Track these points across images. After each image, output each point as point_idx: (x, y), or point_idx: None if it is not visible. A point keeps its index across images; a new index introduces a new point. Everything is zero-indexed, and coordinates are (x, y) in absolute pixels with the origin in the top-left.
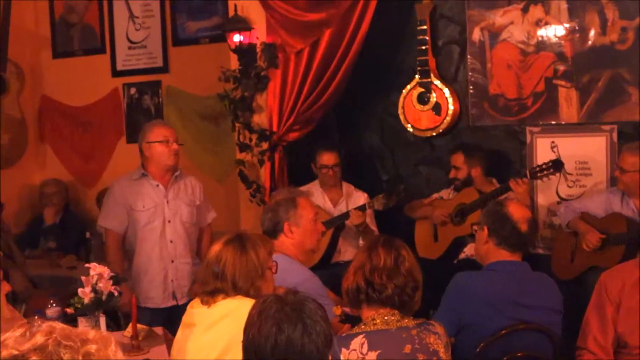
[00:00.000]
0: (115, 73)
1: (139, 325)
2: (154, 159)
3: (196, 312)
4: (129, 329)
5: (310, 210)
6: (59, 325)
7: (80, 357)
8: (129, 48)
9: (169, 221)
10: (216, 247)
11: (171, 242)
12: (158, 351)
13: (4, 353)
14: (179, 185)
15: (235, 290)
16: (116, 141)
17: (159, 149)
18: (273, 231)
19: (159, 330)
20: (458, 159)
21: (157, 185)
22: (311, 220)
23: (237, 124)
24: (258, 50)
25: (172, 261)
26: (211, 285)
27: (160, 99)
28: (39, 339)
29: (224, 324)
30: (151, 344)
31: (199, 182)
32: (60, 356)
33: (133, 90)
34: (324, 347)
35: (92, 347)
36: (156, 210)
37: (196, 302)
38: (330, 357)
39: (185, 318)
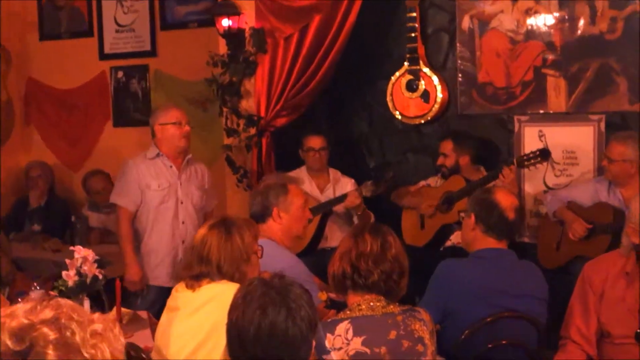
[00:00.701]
0: (103, 56)
1: (123, 309)
2: (167, 140)
3: (180, 296)
4: (113, 312)
5: (300, 198)
6: (65, 301)
7: (87, 335)
8: (117, 31)
9: (182, 202)
10: (201, 231)
11: (183, 223)
12: (142, 335)
13: (14, 323)
14: (190, 169)
15: (220, 274)
16: (103, 125)
17: (171, 130)
18: (262, 215)
19: (143, 314)
20: (447, 146)
21: (171, 167)
22: (300, 207)
23: (224, 109)
24: (247, 35)
25: (183, 242)
26: (196, 269)
27: (148, 83)
28: (48, 313)
29: (208, 308)
30: (135, 328)
31: (207, 169)
32: (72, 329)
33: (120, 74)
34: (307, 332)
35: (99, 327)
36: (170, 191)
37: (181, 285)
38: (314, 343)
39: (169, 302)
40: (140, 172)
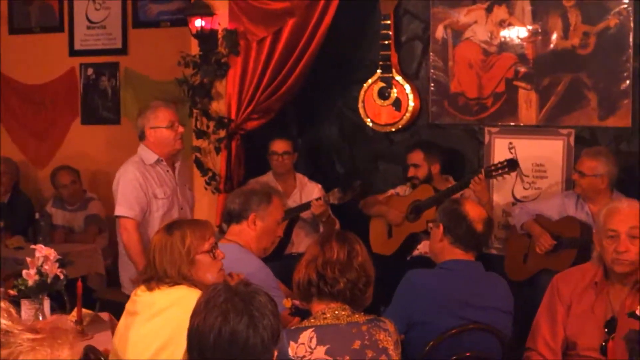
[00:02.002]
0: (73, 52)
1: (84, 310)
2: (161, 144)
3: (139, 300)
4: (74, 313)
5: (279, 213)
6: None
7: None
8: (88, 28)
9: (182, 208)
10: (154, 235)
11: None
12: (103, 337)
13: None
14: (182, 170)
15: (167, 277)
16: (71, 122)
17: (165, 133)
18: (238, 215)
19: (105, 315)
20: (417, 157)
21: (168, 171)
22: (276, 222)
23: (195, 110)
24: (219, 36)
25: None
26: (147, 272)
27: (118, 82)
28: None
29: (167, 314)
30: (96, 330)
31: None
32: None
33: (90, 71)
34: (269, 342)
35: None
36: (173, 198)
37: (140, 289)
38: (275, 353)
39: (128, 306)
40: (147, 181)
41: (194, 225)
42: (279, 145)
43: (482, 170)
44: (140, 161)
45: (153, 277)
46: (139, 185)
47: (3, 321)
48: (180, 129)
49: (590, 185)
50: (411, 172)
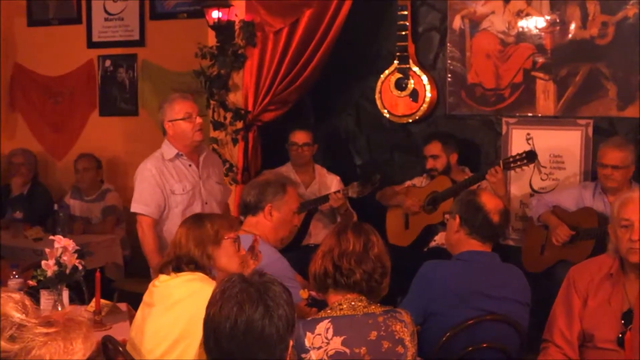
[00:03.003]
0: (91, 44)
1: (102, 301)
2: (180, 137)
3: (156, 292)
4: (93, 303)
5: (295, 202)
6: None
7: None
8: (106, 20)
9: (206, 203)
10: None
11: None
12: (121, 327)
13: None
14: (207, 163)
15: (189, 256)
16: (89, 114)
17: (183, 126)
18: (254, 207)
19: (122, 306)
20: (435, 148)
21: (190, 165)
22: (292, 211)
23: (212, 102)
24: (236, 27)
25: None
26: (170, 255)
27: (136, 73)
28: None
29: (183, 306)
30: (114, 320)
31: (218, 157)
32: None
33: (108, 63)
34: (284, 331)
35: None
36: (194, 193)
37: (158, 279)
38: (291, 342)
39: (145, 297)
40: (163, 176)
41: (223, 215)
42: (299, 136)
43: (500, 162)
44: (160, 156)
45: (175, 262)
46: (154, 182)
47: (17, 314)
48: (199, 120)
49: (624, 177)
50: (430, 163)
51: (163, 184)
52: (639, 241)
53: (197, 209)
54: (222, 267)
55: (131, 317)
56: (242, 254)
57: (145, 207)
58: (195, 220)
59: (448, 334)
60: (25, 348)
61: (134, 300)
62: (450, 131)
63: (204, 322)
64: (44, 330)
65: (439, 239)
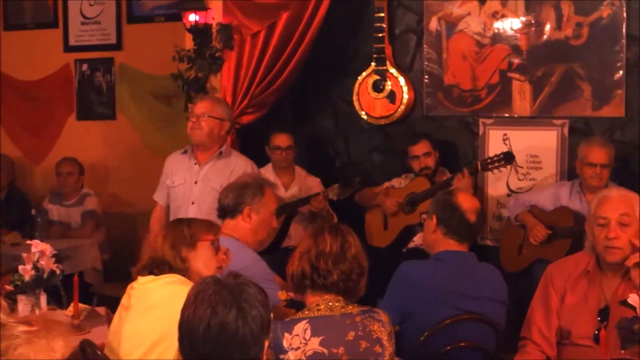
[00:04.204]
0: (68, 48)
1: (81, 305)
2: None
3: (134, 294)
4: (71, 307)
5: (273, 203)
6: None
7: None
8: (82, 23)
9: (193, 203)
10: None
11: None
12: (100, 331)
13: None
14: (217, 166)
15: (164, 257)
16: (66, 118)
17: (188, 124)
18: (232, 210)
19: (101, 310)
20: (425, 146)
21: (195, 164)
22: (270, 213)
23: (189, 105)
24: (214, 30)
25: None
26: (147, 258)
27: (113, 77)
28: None
29: (161, 309)
30: (93, 324)
31: (247, 164)
32: None
33: (85, 67)
34: (259, 332)
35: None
36: (184, 189)
37: (135, 282)
38: (266, 343)
39: (123, 300)
40: (168, 167)
41: (202, 219)
42: (283, 140)
43: (478, 164)
44: (181, 150)
45: (151, 265)
46: (165, 172)
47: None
48: (192, 120)
49: (608, 175)
50: (422, 162)
51: (166, 175)
52: (616, 239)
53: (183, 205)
54: (198, 271)
55: (110, 321)
56: (221, 257)
57: (156, 194)
58: (173, 224)
59: (426, 333)
60: (11, 346)
61: (114, 305)
62: (428, 132)
63: (178, 325)
64: (25, 328)
65: (417, 239)
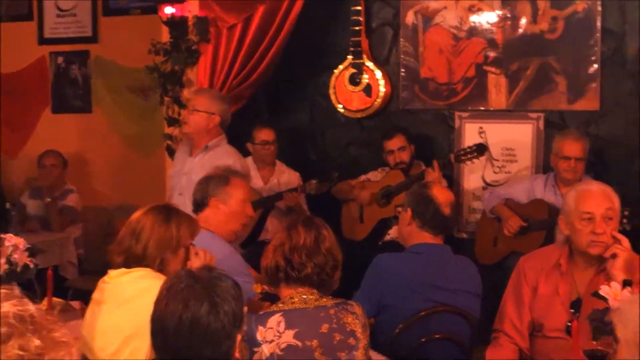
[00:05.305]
0: (42, 41)
1: (54, 299)
2: None
3: (107, 289)
4: (45, 301)
5: (241, 192)
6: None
7: None
8: (58, 16)
9: (180, 194)
10: (140, 211)
11: None
12: (74, 325)
13: None
14: (203, 159)
15: (144, 254)
16: (41, 111)
17: None
18: (200, 204)
19: (76, 304)
20: (400, 140)
21: (190, 155)
22: (239, 201)
23: (166, 98)
24: (190, 23)
25: None
26: (126, 242)
27: (89, 70)
28: None
29: (135, 304)
30: (67, 318)
31: (230, 158)
32: None
33: (60, 60)
34: (231, 326)
35: None
36: (175, 180)
37: (107, 277)
38: (239, 337)
39: (95, 294)
40: (176, 156)
41: (190, 219)
42: (268, 134)
43: (452, 156)
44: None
45: (131, 247)
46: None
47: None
48: (183, 113)
49: (583, 168)
50: (397, 157)
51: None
52: (603, 234)
53: (173, 195)
54: (170, 271)
55: (84, 315)
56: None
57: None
58: (164, 215)
59: (401, 325)
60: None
61: (89, 299)
62: (404, 126)
63: (151, 319)
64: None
65: (393, 232)
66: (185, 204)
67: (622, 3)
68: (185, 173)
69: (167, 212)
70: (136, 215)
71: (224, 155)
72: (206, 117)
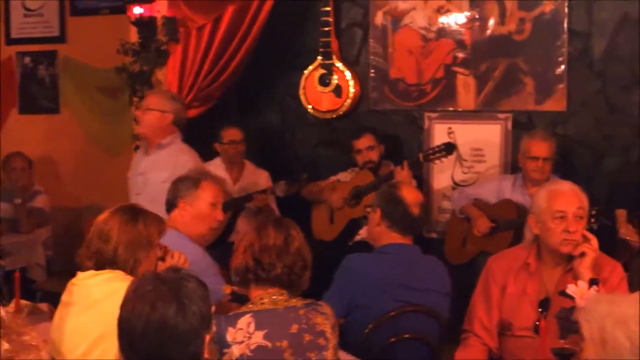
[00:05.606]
0: (9, 41)
1: (22, 301)
2: None
3: (75, 290)
4: (13, 304)
5: (210, 195)
6: None
7: None
8: (25, 16)
9: (137, 194)
10: (106, 213)
11: None
12: (42, 328)
13: None
14: (157, 158)
15: (115, 256)
16: (8, 112)
17: None
18: (170, 204)
19: (43, 306)
20: (369, 140)
21: (145, 155)
22: (207, 205)
23: (135, 98)
24: (159, 23)
25: None
26: (94, 245)
27: (57, 70)
28: None
29: (103, 306)
30: (35, 321)
31: (188, 158)
32: None
33: (28, 60)
34: (199, 327)
35: None
36: (133, 180)
37: (76, 278)
38: (207, 338)
39: (64, 296)
40: (134, 157)
41: (157, 218)
42: (236, 134)
43: (420, 155)
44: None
45: (101, 250)
46: None
47: None
48: (136, 113)
49: (550, 168)
50: (365, 156)
51: None
52: (575, 232)
53: (133, 197)
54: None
55: (52, 317)
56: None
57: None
58: (130, 215)
59: (371, 325)
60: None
61: (58, 301)
62: (374, 126)
63: (118, 322)
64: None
65: (363, 232)
66: (143, 205)
67: (589, 4)
68: (140, 173)
69: (133, 212)
70: (102, 217)
71: (178, 153)
72: (159, 115)
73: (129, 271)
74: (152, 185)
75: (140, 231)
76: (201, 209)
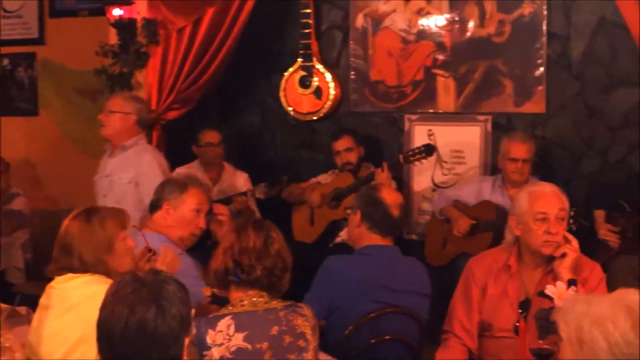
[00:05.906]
0: None
1: (1, 305)
2: None
3: (54, 294)
4: None
5: (195, 201)
6: None
7: None
8: (3, 17)
9: (105, 196)
10: (65, 222)
11: None
12: (20, 331)
13: None
14: (122, 159)
15: (83, 266)
16: None
17: None
18: (155, 205)
19: (22, 309)
20: (347, 141)
21: (110, 157)
22: (191, 210)
23: None
24: (138, 25)
25: None
26: (62, 261)
27: (35, 72)
28: None
29: (81, 309)
30: (13, 324)
31: (152, 159)
32: None
33: (6, 62)
34: (178, 330)
35: None
36: (99, 183)
37: (54, 282)
38: (187, 341)
39: (42, 300)
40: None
41: (114, 213)
42: (213, 136)
43: (400, 157)
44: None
45: (68, 266)
46: None
47: None
48: (100, 116)
49: (529, 169)
50: (343, 157)
51: None
52: (557, 234)
53: (100, 200)
54: (116, 269)
55: (31, 321)
56: (133, 246)
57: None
58: (84, 219)
59: (351, 327)
60: None
61: (36, 304)
62: (354, 128)
63: (97, 325)
64: None
65: (344, 234)
66: (108, 205)
67: (567, 6)
68: (106, 175)
69: (87, 215)
70: (63, 226)
71: (141, 154)
72: (122, 117)
73: (104, 274)
74: (117, 187)
75: (97, 233)
76: (184, 213)
